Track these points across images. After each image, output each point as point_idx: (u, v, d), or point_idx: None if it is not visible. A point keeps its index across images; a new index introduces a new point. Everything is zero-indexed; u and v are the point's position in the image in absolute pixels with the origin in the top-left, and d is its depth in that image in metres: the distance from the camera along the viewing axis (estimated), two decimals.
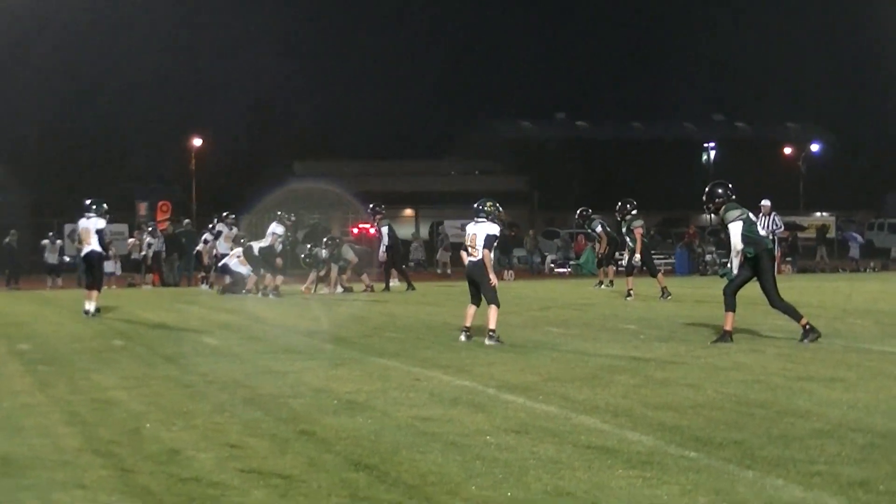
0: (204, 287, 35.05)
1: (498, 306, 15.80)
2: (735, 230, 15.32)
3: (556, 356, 13.88)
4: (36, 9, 72.60)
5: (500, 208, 16.49)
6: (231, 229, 34.75)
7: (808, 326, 15.19)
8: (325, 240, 31.06)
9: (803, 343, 14.84)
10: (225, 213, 35.79)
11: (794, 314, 15.43)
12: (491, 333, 15.53)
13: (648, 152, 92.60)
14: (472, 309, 16.24)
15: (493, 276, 15.99)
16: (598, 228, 30.79)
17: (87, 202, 22.05)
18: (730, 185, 16.05)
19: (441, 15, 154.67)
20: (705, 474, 7.28)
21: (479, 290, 16.10)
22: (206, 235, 36.17)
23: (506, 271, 46.04)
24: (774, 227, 33.91)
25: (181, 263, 41.91)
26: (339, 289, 30.11)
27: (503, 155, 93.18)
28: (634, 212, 26.49)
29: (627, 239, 26.58)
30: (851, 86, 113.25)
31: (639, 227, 26.10)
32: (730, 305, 15.50)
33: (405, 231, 68.08)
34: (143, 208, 59.20)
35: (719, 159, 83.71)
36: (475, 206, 16.34)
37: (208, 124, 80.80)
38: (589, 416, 9.36)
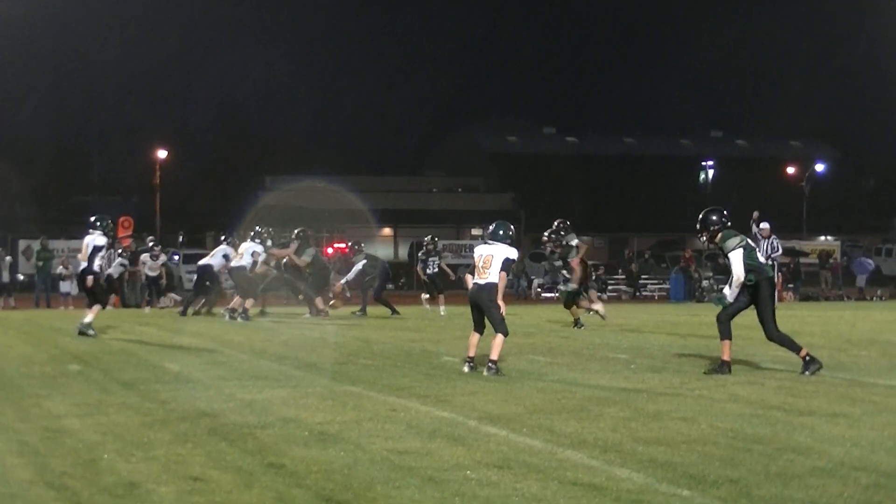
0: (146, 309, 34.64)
1: (506, 335, 15.70)
2: (736, 259, 15.29)
3: (541, 386, 13.89)
4: None
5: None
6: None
7: (808, 358, 15.22)
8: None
9: (804, 375, 14.88)
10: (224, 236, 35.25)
11: (792, 346, 15.47)
12: (491, 365, 15.35)
13: (642, 170, 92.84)
14: (475, 338, 16.04)
15: (502, 303, 15.89)
16: (574, 241, 31.00)
17: (92, 218, 22.36)
18: (724, 212, 15.99)
19: (423, 25, 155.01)
20: None
21: (483, 316, 15.98)
22: (144, 257, 36.69)
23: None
24: (772, 251, 33.94)
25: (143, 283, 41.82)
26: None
27: (488, 171, 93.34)
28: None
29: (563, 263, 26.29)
30: (858, 103, 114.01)
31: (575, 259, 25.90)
32: (725, 333, 15.53)
33: (385, 252, 68.15)
34: None
35: (717, 178, 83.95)
36: (492, 227, 16.35)
37: (174, 136, 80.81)
38: (576, 451, 9.36)
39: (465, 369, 15.68)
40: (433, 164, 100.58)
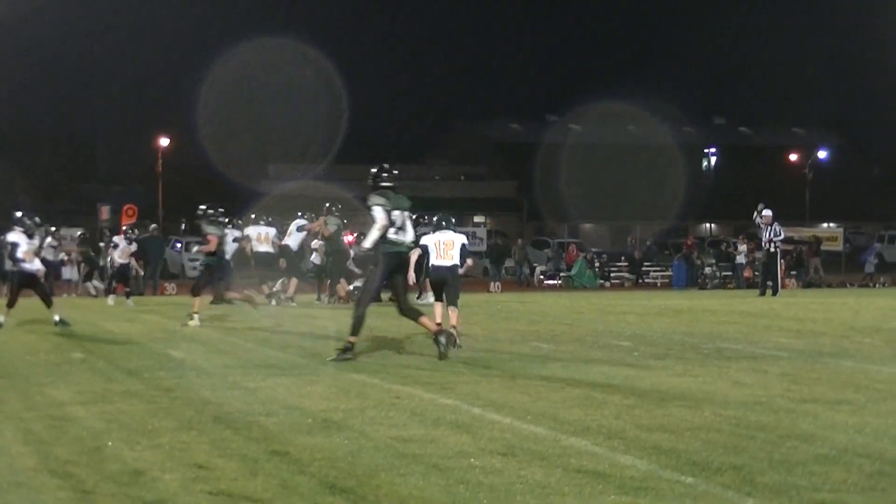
0: (129, 302, 31.69)
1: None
2: None
3: (545, 373, 13.89)
4: None
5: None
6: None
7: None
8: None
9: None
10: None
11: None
12: (454, 331, 17.11)
13: (645, 158, 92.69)
14: (441, 308, 18.20)
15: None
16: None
17: (18, 214, 22.31)
18: None
19: (426, 12, 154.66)
20: (702, 501, 7.30)
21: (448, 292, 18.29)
22: (117, 239, 34.04)
23: (492, 283, 46.09)
24: (774, 236, 34.09)
25: (147, 271, 41.88)
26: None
27: (491, 159, 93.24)
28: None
29: None
30: (862, 90, 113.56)
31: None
32: None
33: None
34: (105, 212, 58.92)
35: (721, 166, 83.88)
36: (438, 218, 19.53)
37: (177, 124, 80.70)
38: (579, 438, 9.36)
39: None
40: (436, 152, 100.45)
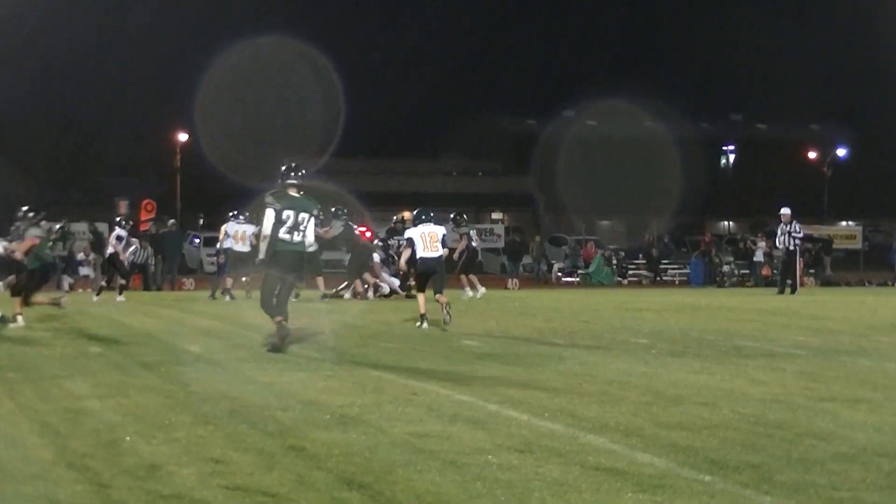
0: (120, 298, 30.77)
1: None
2: None
3: (562, 370, 13.88)
4: None
5: None
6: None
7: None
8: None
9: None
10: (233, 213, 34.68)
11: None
12: (449, 314, 19.90)
13: (662, 154, 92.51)
14: (424, 297, 20.67)
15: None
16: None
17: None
18: None
19: (442, 6, 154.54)
20: (720, 499, 7.28)
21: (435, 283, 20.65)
22: (119, 232, 32.55)
23: (510, 279, 46.07)
24: (793, 234, 34.08)
25: (164, 266, 41.96)
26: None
27: (507, 154, 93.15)
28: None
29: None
30: (879, 84, 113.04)
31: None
32: None
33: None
34: (123, 206, 58.87)
35: (738, 162, 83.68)
36: (418, 212, 21.33)
37: (195, 117, 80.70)
38: (597, 436, 9.35)
39: (425, 325, 19.92)
40: (451, 146, 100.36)
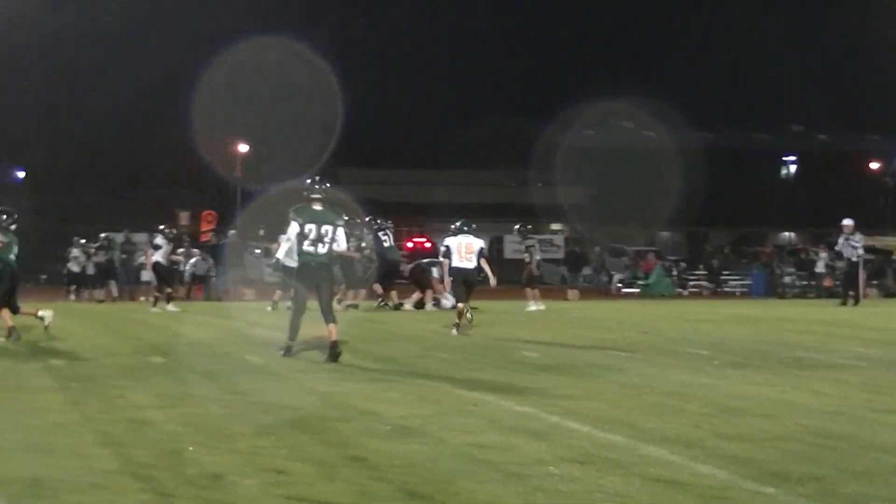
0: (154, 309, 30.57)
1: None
2: None
3: (622, 381, 13.85)
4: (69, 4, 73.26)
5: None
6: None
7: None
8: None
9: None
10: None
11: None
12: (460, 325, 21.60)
13: (721, 165, 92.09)
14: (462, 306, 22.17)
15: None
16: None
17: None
18: None
19: (504, 17, 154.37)
20: None
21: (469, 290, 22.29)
22: (158, 241, 32.13)
23: (569, 290, 46.02)
24: (854, 246, 33.89)
25: (226, 277, 42.22)
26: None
27: (565, 165, 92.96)
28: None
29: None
30: None
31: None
32: None
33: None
34: (184, 217, 59.26)
35: (799, 173, 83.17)
36: (461, 224, 22.83)
37: (251, 129, 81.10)
38: (657, 447, 9.32)
39: (454, 332, 21.27)
40: (509, 158, 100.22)
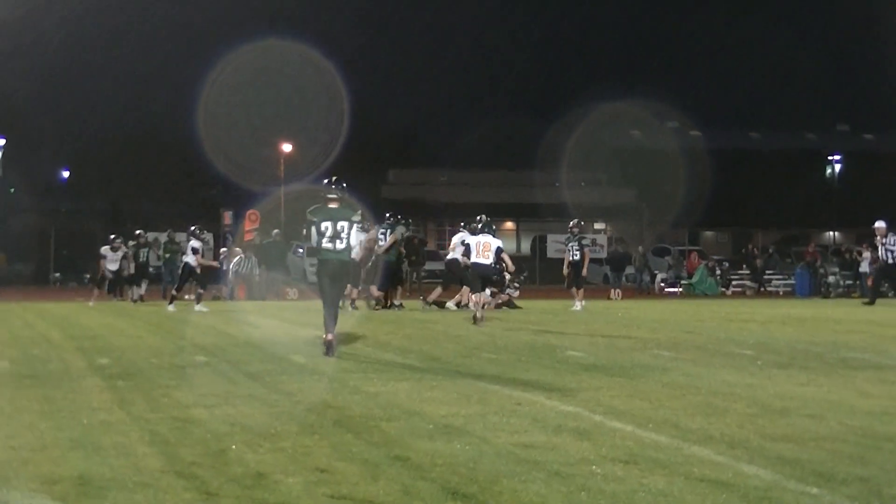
0: (198, 307, 30.75)
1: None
2: None
3: (666, 381, 13.80)
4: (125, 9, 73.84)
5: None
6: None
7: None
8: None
9: None
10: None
11: None
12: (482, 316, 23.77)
13: (767, 165, 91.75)
14: (482, 297, 24.55)
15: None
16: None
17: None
18: None
19: (554, 17, 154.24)
20: None
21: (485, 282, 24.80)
22: (194, 243, 32.24)
23: (613, 290, 45.92)
24: (890, 247, 33.88)
25: (268, 277, 42.34)
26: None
27: (610, 165, 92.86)
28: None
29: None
30: None
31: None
32: None
33: (508, 246, 68.14)
34: (228, 217, 59.35)
35: (844, 173, 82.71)
36: (481, 223, 25.41)
37: (298, 129, 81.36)
38: (702, 447, 9.28)
39: (478, 324, 23.22)
40: (554, 158, 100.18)
